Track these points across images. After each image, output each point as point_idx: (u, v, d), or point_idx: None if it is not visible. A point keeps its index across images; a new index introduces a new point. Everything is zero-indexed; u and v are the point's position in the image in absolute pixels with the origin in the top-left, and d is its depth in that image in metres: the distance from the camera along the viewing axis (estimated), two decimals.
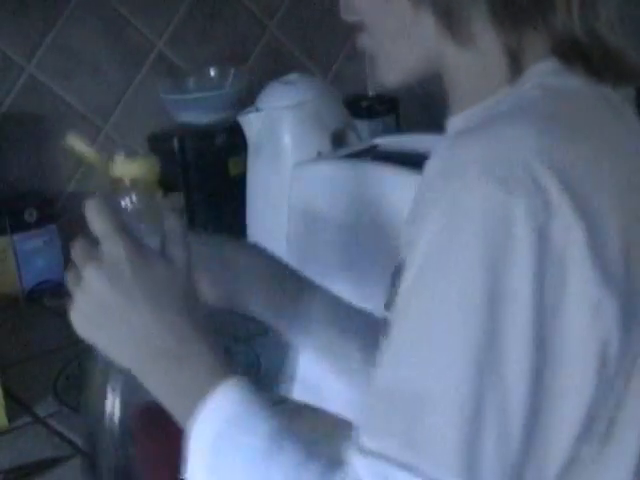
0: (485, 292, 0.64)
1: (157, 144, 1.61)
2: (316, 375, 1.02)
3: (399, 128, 1.83)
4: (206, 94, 1.65)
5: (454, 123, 0.79)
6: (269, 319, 0.98)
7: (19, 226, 1.51)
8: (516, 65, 0.74)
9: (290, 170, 1.36)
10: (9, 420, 1.14)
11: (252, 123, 1.49)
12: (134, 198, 0.84)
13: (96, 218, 0.79)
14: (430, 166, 0.74)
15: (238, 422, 0.72)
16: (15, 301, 1.52)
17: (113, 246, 0.78)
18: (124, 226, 0.79)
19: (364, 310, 1.00)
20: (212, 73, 1.73)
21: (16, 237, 1.51)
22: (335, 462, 0.67)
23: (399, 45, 0.79)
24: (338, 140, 1.48)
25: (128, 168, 0.86)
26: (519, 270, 0.64)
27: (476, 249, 0.65)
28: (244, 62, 1.81)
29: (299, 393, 1.09)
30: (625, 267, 0.67)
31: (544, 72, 0.74)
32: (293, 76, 1.50)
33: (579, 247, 0.65)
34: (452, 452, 0.63)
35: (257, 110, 1.49)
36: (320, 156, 1.43)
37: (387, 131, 1.74)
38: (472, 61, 0.77)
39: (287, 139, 1.46)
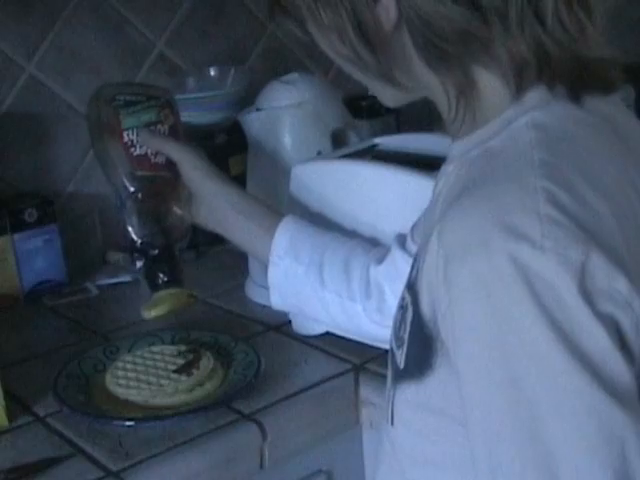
0: (577, 368, 0.64)
1: None
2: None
3: (399, 128, 1.83)
4: (206, 94, 1.65)
5: (452, 150, 0.81)
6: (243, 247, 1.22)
7: (19, 226, 1.51)
8: (469, 103, 0.76)
9: (290, 170, 1.36)
10: (9, 420, 1.13)
11: (252, 123, 1.49)
12: None
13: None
14: (443, 224, 0.71)
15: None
16: (15, 301, 1.52)
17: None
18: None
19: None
20: (212, 73, 1.73)
21: (16, 237, 1.51)
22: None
23: (377, 88, 0.85)
24: (338, 140, 1.47)
25: None
26: (590, 328, 0.64)
27: (538, 325, 0.64)
28: (244, 62, 1.81)
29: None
30: None
31: (531, 106, 0.74)
32: (293, 76, 1.50)
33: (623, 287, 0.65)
34: None
35: (257, 110, 1.49)
36: (320, 156, 1.43)
37: (387, 131, 1.74)
38: (437, 100, 0.81)
39: (287, 139, 1.45)
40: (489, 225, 0.66)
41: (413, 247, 1.07)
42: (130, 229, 1.17)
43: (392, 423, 0.80)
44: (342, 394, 1.19)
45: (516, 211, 0.66)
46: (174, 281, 1.18)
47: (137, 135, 1.17)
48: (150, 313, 1.18)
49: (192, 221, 1.20)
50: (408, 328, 0.75)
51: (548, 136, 0.72)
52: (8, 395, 1.14)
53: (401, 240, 1.10)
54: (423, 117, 1.89)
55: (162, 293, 1.18)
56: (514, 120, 0.74)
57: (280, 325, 1.34)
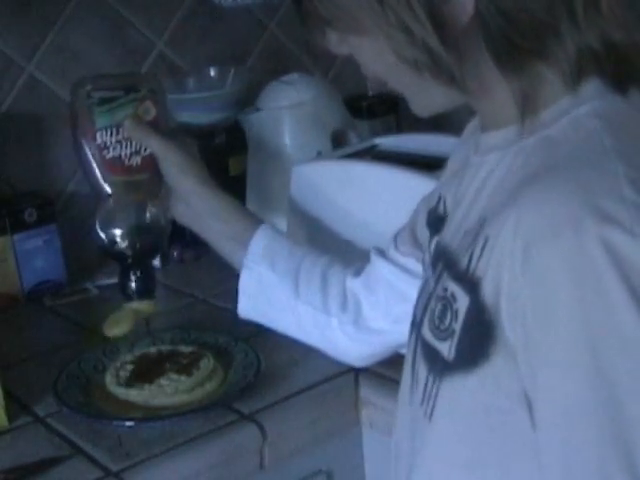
0: None
1: None
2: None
3: (399, 128, 1.83)
4: (206, 94, 1.65)
5: (488, 141, 0.80)
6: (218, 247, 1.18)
7: (19, 226, 1.51)
8: (531, 99, 0.75)
9: (290, 170, 1.36)
10: (9, 420, 1.13)
11: (252, 123, 1.49)
12: None
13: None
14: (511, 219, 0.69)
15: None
16: (15, 301, 1.52)
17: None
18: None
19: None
20: (212, 73, 1.73)
21: (16, 237, 1.51)
22: None
23: (420, 95, 0.81)
24: (338, 140, 1.48)
25: None
26: None
27: (629, 311, 0.64)
28: (244, 62, 1.81)
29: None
30: None
31: (588, 96, 0.74)
32: (293, 76, 1.50)
33: None
34: None
35: (257, 110, 1.49)
36: (320, 156, 1.43)
37: (387, 131, 1.74)
38: (489, 99, 0.79)
39: (287, 139, 1.46)
40: (578, 207, 0.65)
41: (397, 256, 1.07)
42: (103, 234, 1.15)
43: (430, 419, 0.79)
44: (342, 394, 1.19)
45: (603, 195, 0.65)
46: (145, 292, 1.16)
47: (111, 135, 1.13)
48: (111, 331, 1.17)
49: (169, 218, 1.18)
50: (461, 318, 0.74)
51: (612, 125, 0.72)
52: (8, 395, 1.14)
53: (380, 251, 1.09)
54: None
55: (125, 309, 1.17)
56: (572, 109, 0.74)
57: None
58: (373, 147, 1.43)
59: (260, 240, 1.14)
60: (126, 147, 1.14)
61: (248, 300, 1.16)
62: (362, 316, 1.10)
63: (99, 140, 1.14)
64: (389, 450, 0.92)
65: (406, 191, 1.22)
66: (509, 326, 0.69)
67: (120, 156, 1.14)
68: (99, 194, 1.16)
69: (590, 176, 0.67)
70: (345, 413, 1.20)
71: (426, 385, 0.80)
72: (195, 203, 1.16)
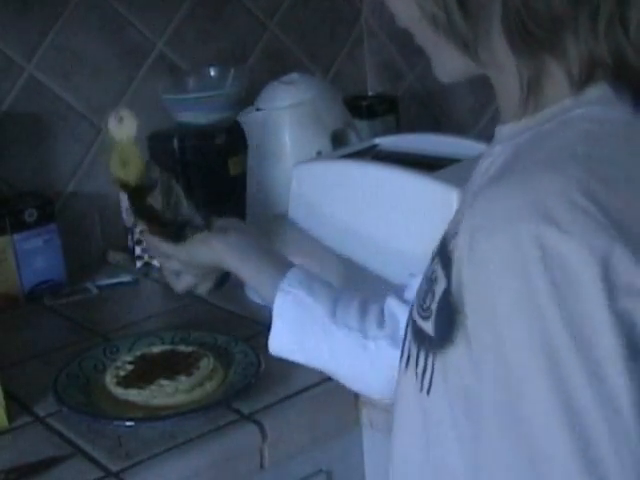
0: (568, 337, 0.65)
1: (157, 144, 1.61)
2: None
3: (399, 128, 1.83)
4: (206, 94, 1.65)
5: (501, 132, 0.82)
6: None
7: (19, 226, 1.51)
8: (534, 90, 0.76)
9: (290, 170, 1.36)
10: (9, 420, 1.13)
11: (252, 123, 1.49)
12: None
13: None
14: (473, 208, 0.72)
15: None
16: (15, 301, 1.52)
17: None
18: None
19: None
20: (212, 73, 1.73)
21: (16, 237, 1.51)
22: None
23: (442, 53, 0.82)
24: (338, 140, 1.48)
25: None
26: (595, 306, 0.65)
27: (549, 302, 0.65)
28: (244, 62, 1.81)
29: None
30: None
31: (590, 100, 0.75)
32: (293, 76, 1.50)
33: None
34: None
35: (257, 110, 1.49)
36: (320, 156, 1.43)
37: (387, 131, 1.74)
38: (503, 79, 0.80)
39: (287, 139, 1.46)
40: (519, 204, 0.68)
41: None
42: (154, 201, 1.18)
43: (428, 393, 0.80)
44: (342, 394, 1.19)
45: (548, 195, 0.67)
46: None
47: None
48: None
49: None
50: (437, 299, 0.76)
51: (601, 130, 0.73)
52: (8, 395, 1.14)
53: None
54: (423, 117, 1.90)
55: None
56: (570, 110, 0.75)
57: None
58: (373, 147, 1.43)
59: (298, 271, 1.10)
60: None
61: (282, 324, 1.09)
62: (399, 332, 1.03)
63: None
64: (389, 449, 0.92)
65: (406, 191, 1.22)
66: (465, 312, 0.72)
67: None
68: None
69: (545, 177, 0.69)
70: (345, 413, 1.20)
71: (417, 361, 0.81)
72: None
